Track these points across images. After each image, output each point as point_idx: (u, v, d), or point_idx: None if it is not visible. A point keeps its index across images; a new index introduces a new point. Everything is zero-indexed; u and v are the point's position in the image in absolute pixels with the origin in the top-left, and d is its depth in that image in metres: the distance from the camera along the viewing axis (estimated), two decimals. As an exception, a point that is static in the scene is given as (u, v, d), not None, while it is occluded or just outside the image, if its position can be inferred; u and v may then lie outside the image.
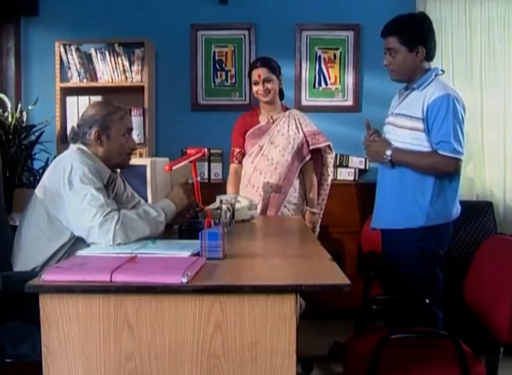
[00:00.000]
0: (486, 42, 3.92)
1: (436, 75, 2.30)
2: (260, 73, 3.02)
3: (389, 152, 2.27)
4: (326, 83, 4.06)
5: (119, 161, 2.17)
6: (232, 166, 3.20)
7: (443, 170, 2.22)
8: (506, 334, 1.75)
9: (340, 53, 4.02)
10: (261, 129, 3.11)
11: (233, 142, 3.21)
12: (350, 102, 4.02)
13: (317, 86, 4.06)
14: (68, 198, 1.91)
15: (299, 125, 3.10)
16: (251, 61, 3.31)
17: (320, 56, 4.04)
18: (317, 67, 4.05)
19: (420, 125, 2.22)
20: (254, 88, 3.07)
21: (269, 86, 3.03)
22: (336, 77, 4.04)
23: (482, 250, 2.13)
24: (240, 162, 3.17)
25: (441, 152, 2.18)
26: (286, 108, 3.17)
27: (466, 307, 2.07)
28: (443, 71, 2.38)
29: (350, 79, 4.03)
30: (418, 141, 2.24)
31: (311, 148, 3.10)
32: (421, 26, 2.33)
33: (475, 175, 3.98)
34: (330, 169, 3.19)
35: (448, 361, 1.85)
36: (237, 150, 3.18)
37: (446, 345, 1.87)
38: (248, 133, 3.13)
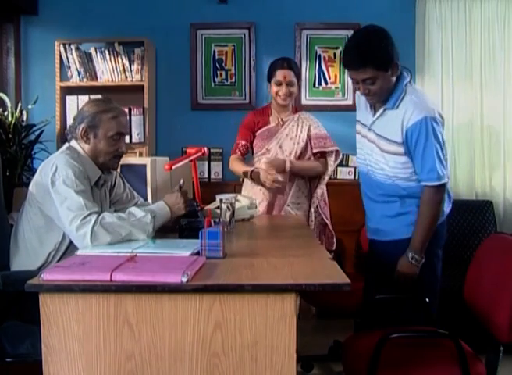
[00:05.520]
0: (486, 41, 3.92)
1: (406, 85, 2.18)
2: (286, 74, 2.93)
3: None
4: (326, 83, 4.06)
5: (104, 162, 2.11)
6: (232, 158, 3.09)
7: (438, 200, 2.17)
8: (506, 333, 1.74)
9: (340, 52, 4.01)
10: (269, 131, 3.03)
11: (240, 135, 3.09)
12: (349, 101, 4.02)
13: (317, 85, 4.06)
14: (53, 198, 1.93)
15: (306, 128, 3.03)
16: (273, 62, 3.02)
17: (320, 55, 4.04)
18: (317, 66, 4.05)
19: (401, 149, 2.16)
20: (275, 89, 2.95)
21: (292, 89, 2.96)
22: (335, 76, 4.04)
23: (482, 249, 2.13)
24: (243, 155, 3.08)
25: (429, 184, 2.13)
26: (296, 110, 3.10)
27: (466, 306, 2.07)
28: (410, 73, 2.23)
29: (349, 78, 4.02)
30: (402, 164, 2.19)
31: (314, 150, 3.01)
32: (388, 43, 2.11)
33: (475, 174, 3.98)
34: (328, 172, 3.07)
35: (448, 360, 1.85)
36: (242, 142, 3.06)
37: (446, 344, 1.87)
38: (257, 133, 3.06)
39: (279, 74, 2.93)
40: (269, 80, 3.00)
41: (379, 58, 2.08)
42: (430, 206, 2.15)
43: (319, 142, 3.01)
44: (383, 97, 2.19)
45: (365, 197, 2.40)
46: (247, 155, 3.13)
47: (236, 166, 3.05)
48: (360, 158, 2.38)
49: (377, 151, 2.24)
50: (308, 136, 3.02)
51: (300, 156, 3.01)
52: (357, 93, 2.37)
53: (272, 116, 3.07)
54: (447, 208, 2.30)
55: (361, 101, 2.37)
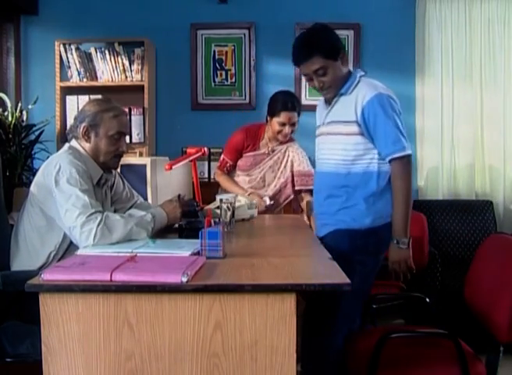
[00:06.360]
0: (486, 42, 3.92)
1: (361, 76, 2.19)
2: (291, 117, 2.96)
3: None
4: (326, 83, 4.06)
5: (104, 161, 2.12)
6: (221, 173, 3.21)
7: (408, 172, 2.11)
8: (506, 333, 1.75)
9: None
10: (255, 158, 3.10)
11: (228, 154, 3.18)
12: (350, 101, 4.01)
13: (317, 85, 4.06)
14: (55, 197, 1.93)
15: (290, 164, 3.09)
16: (278, 100, 2.99)
17: (320, 55, 4.04)
18: (317, 66, 4.05)
19: (355, 128, 2.12)
20: (277, 127, 2.98)
21: (294, 128, 3.01)
22: (336, 76, 4.04)
23: (482, 249, 2.13)
24: (229, 173, 3.19)
25: (396, 156, 2.08)
26: (287, 140, 3.11)
27: (466, 306, 2.07)
28: (365, 72, 2.24)
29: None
30: (353, 145, 2.13)
31: (296, 188, 3.09)
32: (330, 34, 2.19)
33: (475, 174, 3.98)
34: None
35: (448, 360, 1.85)
36: (230, 163, 3.17)
37: (445, 344, 1.87)
38: (244, 155, 3.14)
39: (284, 116, 2.96)
40: (270, 115, 3.01)
41: (326, 47, 2.12)
42: (402, 180, 2.10)
43: (301, 180, 3.07)
44: (338, 88, 2.19)
45: (315, 202, 2.34)
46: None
47: (230, 187, 3.13)
48: (318, 158, 2.33)
49: (329, 140, 2.21)
50: (291, 172, 3.09)
51: (279, 192, 3.10)
52: (317, 106, 2.39)
53: (263, 142, 3.11)
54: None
55: (320, 107, 2.37)
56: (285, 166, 3.09)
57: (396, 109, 2.11)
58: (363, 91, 2.12)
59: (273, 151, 3.10)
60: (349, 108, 2.13)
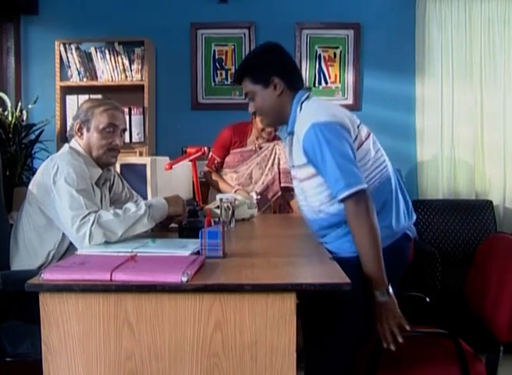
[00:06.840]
0: (486, 41, 3.93)
1: (302, 103, 1.93)
2: None
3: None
4: (326, 82, 4.06)
5: (98, 156, 2.11)
6: (212, 171, 3.25)
7: (363, 210, 1.76)
8: (506, 333, 1.75)
9: (340, 52, 4.02)
10: (242, 155, 3.14)
11: (215, 151, 3.22)
12: (350, 101, 4.02)
13: (317, 85, 4.06)
14: (53, 198, 1.93)
15: (277, 161, 3.13)
16: None
17: (320, 55, 4.04)
18: (317, 66, 4.05)
19: (311, 170, 1.88)
20: (260, 125, 3.06)
21: None
22: (335, 76, 4.04)
23: (483, 249, 2.13)
24: (217, 170, 3.23)
25: (341, 196, 1.77)
26: (274, 137, 3.17)
27: (466, 306, 2.07)
28: (310, 89, 2.01)
29: (350, 77, 4.03)
30: (319, 187, 1.88)
31: (282, 185, 3.13)
32: (268, 57, 1.99)
33: (475, 174, 3.99)
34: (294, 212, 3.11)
35: (448, 360, 1.84)
36: (218, 160, 3.21)
37: (445, 344, 1.87)
38: (231, 151, 3.18)
39: None
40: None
41: (254, 71, 1.96)
42: (357, 221, 1.77)
43: (286, 177, 3.10)
44: (273, 118, 2.02)
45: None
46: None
47: (224, 186, 3.15)
48: (299, 204, 2.10)
49: (299, 186, 1.99)
50: (278, 169, 3.13)
51: (267, 188, 3.13)
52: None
53: (250, 139, 3.16)
54: (401, 227, 1.93)
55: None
56: (272, 164, 3.14)
57: (333, 140, 1.79)
58: (300, 128, 1.88)
59: (260, 148, 3.14)
60: (298, 150, 1.90)
